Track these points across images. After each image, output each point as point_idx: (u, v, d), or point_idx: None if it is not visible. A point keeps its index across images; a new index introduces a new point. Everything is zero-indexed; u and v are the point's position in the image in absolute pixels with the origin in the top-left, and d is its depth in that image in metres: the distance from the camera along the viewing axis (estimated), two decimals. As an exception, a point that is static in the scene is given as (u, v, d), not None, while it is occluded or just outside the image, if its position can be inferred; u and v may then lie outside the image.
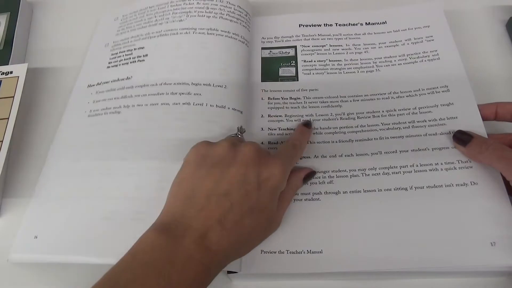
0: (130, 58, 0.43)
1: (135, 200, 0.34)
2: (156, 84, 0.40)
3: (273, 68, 0.43)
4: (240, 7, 0.45)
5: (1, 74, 0.43)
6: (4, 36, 0.47)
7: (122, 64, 0.43)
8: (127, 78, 0.42)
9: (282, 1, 0.50)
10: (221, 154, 0.30)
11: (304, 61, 0.43)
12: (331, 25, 0.46)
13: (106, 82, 0.42)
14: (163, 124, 0.37)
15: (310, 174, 0.35)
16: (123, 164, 0.36)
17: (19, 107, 0.41)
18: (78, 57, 0.47)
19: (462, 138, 0.35)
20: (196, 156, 0.31)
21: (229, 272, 0.31)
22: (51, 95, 0.45)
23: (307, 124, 0.38)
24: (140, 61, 0.43)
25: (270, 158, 0.31)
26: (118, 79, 0.42)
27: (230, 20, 0.44)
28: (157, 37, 0.44)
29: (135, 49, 0.44)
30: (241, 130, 0.36)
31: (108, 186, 0.35)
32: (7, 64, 0.45)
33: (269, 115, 0.40)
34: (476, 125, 0.36)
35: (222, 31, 0.43)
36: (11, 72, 0.43)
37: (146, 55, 0.43)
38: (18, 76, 0.43)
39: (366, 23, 0.46)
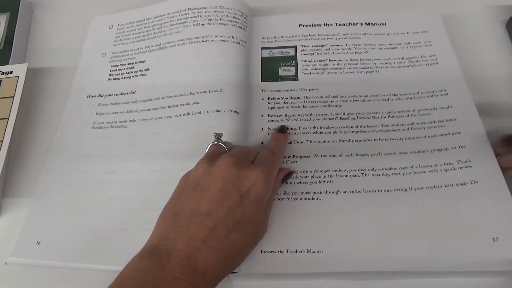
0: (132, 72, 0.44)
1: (144, 212, 0.35)
2: (159, 98, 0.41)
3: (273, 68, 0.43)
4: (234, 9, 0.45)
5: (1, 74, 0.43)
6: (4, 36, 0.47)
7: (124, 77, 0.44)
8: (131, 92, 0.43)
9: (283, 2, 0.50)
10: (199, 176, 0.30)
11: (304, 60, 0.43)
12: (331, 24, 0.46)
13: (109, 95, 0.43)
14: (168, 137, 0.38)
15: (288, 175, 0.35)
16: (132, 177, 0.37)
17: (19, 107, 0.41)
18: (78, 57, 0.47)
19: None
20: (178, 185, 0.31)
21: (229, 272, 0.32)
22: (51, 95, 0.45)
23: (282, 130, 0.37)
24: (142, 75, 0.44)
25: (250, 169, 0.30)
26: (121, 93, 0.43)
27: (224, 24, 0.44)
28: (157, 50, 0.45)
29: (136, 62, 0.45)
30: (217, 136, 0.35)
31: (118, 198, 0.36)
32: (7, 64, 0.45)
33: (269, 115, 0.40)
34: (475, 126, 0.36)
35: (216, 36, 0.43)
36: (11, 72, 0.43)
37: (148, 69, 0.44)
38: (18, 76, 0.43)
39: (366, 23, 0.46)
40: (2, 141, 0.39)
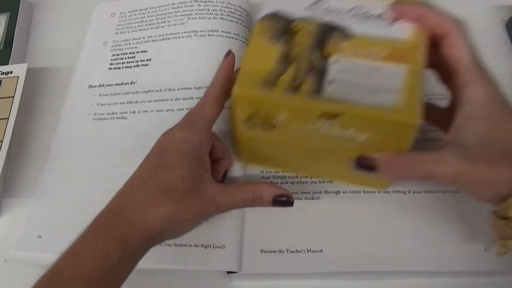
0: (133, 61, 0.44)
1: None
2: (161, 90, 0.41)
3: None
4: (240, 7, 0.45)
5: (1, 74, 0.44)
6: (4, 36, 0.48)
7: (125, 67, 0.43)
8: (132, 82, 0.42)
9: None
10: None
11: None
12: None
13: (110, 85, 0.42)
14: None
15: (285, 198, 0.30)
16: (133, 170, 0.36)
17: (19, 107, 0.41)
18: (79, 47, 0.47)
19: (365, 165, 0.28)
20: None
21: (229, 272, 0.31)
22: (51, 95, 0.45)
23: (226, 55, 0.32)
24: (144, 65, 0.43)
25: (171, 129, 0.31)
26: (122, 83, 0.42)
27: (231, 21, 0.44)
28: (160, 41, 0.44)
29: (137, 52, 0.44)
30: None
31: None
32: (7, 64, 0.45)
33: None
34: None
35: (222, 31, 0.43)
36: (11, 72, 0.43)
37: (150, 59, 0.43)
38: (18, 76, 0.43)
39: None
40: (2, 141, 0.39)
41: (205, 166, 0.30)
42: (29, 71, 0.44)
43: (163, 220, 0.26)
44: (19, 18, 0.49)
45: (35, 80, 0.46)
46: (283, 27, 0.29)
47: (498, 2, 0.47)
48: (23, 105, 0.43)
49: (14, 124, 0.40)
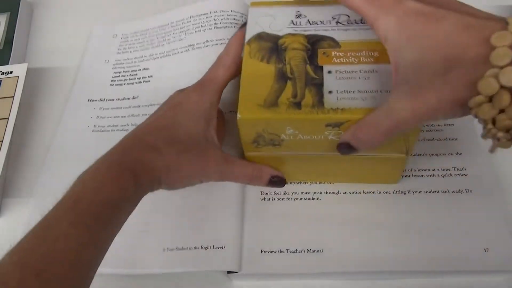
0: (135, 78, 0.45)
1: (144, 214, 0.34)
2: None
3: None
4: (234, 11, 0.45)
5: (1, 74, 0.44)
6: (4, 36, 0.48)
7: (127, 83, 0.44)
8: (133, 97, 0.43)
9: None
10: None
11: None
12: None
13: (111, 100, 0.43)
14: None
15: (279, 180, 0.33)
16: None
17: (19, 107, 0.41)
18: (78, 57, 0.47)
19: (347, 148, 0.27)
20: None
21: (229, 272, 0.32)
22: (51, 95, 0.45)
23: (242, 25, 0.33)
24: (146, 81, 0.44)
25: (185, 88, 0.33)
26: (124, 98, 0.43)
27: (225, 27, 0.44)
28: (161, 58, 0.45)
29: (139, 69, 0.45)
30: None
31: None
32: (7, 64, 0.45)
33: None
34: (471, 135, 0.36)
35: (217, 40, 0.43)
36: (11, 72, 0.44)
37: (151, 76, 0.44)
38: (18, 76, 0.43)
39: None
40: (2, 141, 0.39)
41: (213, 129, 0.31)
42: (29, 71, 0.44)
43: (164, 168, 0.28)
44: (19, 18, 0.49)
45: (35, 80, 0.46)
46: (272, 45, 0.29)
47: (498, 2, 0.47)
48: (23, 105, 0.43)
49: (14, 124, 0.40)
